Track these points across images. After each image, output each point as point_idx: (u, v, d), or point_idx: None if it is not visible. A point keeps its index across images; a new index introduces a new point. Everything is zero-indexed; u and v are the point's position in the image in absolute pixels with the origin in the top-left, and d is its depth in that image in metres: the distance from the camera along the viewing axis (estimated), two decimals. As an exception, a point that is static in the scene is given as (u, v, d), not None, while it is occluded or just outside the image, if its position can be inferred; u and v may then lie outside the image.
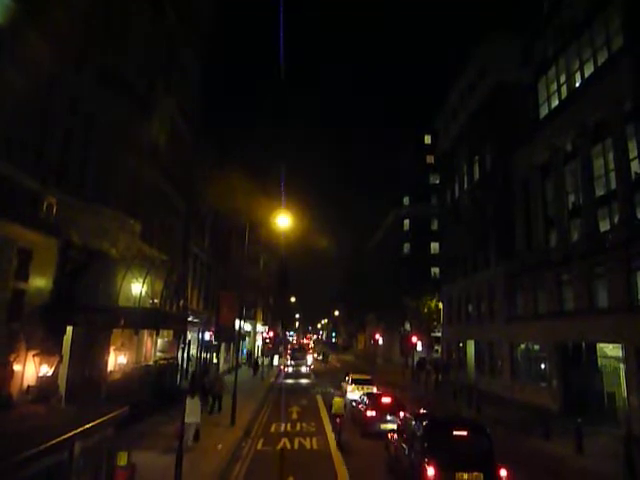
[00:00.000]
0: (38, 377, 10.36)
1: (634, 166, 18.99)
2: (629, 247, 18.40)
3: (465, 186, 37.75)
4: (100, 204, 13.17)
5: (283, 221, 21.72)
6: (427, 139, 63.29)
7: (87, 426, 5.65)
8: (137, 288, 15.03)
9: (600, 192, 21.06)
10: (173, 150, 20.89)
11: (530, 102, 27.47)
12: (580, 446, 14.65)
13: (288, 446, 15.31)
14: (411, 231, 61.17)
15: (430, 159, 60.72)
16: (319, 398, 26.58)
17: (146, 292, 14.40)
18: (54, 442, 4.87)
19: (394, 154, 67.23)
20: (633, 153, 18.99)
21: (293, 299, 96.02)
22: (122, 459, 7.46)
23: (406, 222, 62.38)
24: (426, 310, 47.85)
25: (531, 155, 27.05)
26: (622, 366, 18.60)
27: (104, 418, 6.22)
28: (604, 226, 20.71)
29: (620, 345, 18.58)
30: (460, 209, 38.23)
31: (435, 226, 55.37)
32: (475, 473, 9.55)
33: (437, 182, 52.75)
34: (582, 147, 22.32)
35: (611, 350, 19.92)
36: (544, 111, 26.32)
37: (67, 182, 12.08)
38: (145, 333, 17.88)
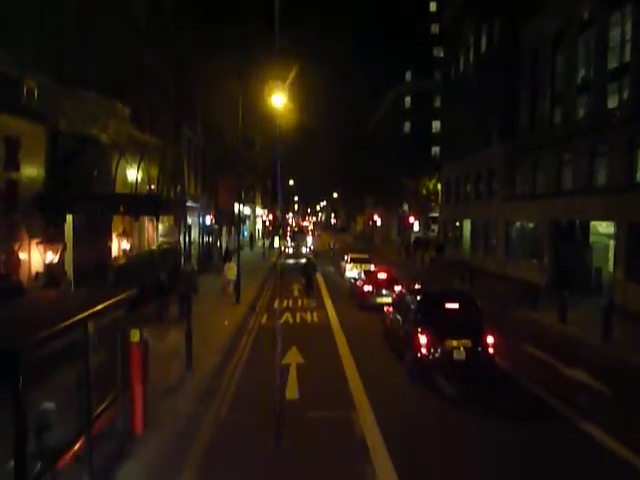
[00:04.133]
0: (45, 264, 10.69)
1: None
2: (634, 123, 17.90)
3: (471, 59, 35.64)
4: (84, 88, 12.51)
5: (278, 99, 20.91)
6: (432, 6, 58.38)
7: (99, 307, 5.91)
8: (132, 174, 14.95)
9: (613, 65, 19.94)
10: (159, 26, 19.30)
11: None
12: (564, 315, 15.60)
13: (290, 320, 16.38)
14: (412, 109, 59.06)
15: (435, 29, 56.57)
16: (319, 276, 27.79)
17: (142, 178, 14.35)
18: (69, 322, 5.12)
19: (396, 23, 62.31)
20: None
21: (292, 182, 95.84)
22: (135, 336, 7.92)
23: (407, 99, 59.96)
24: (424, 191, 48.11)
25: (543, 25, 25.06)
26: (612, 242, 19.17)
27: (114, 299, 6.49)
28: (612, 103, 19.96)
29: (613, 223, 18.96)
30: (464, 84, 36.49)
31: (438, 103, 53.23)
32: (464, 340, 10.31)
33: (441, 55, 49.63)
34: (599, 15, 20.61)
35: (604, 228, 20.37)
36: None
37: (46, 65, 11.33)
38: (145, 219, 18.11)
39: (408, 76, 60.46)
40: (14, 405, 4.12)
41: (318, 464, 7.01)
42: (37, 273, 10.61)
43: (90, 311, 5.64)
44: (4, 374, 4.12)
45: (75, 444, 5.35)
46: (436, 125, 53.58)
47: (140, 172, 14.06)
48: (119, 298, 6.67)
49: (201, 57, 24.82)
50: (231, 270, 18.90)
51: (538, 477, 6.81)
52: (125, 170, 14.82)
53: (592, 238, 21.47)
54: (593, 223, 21.19)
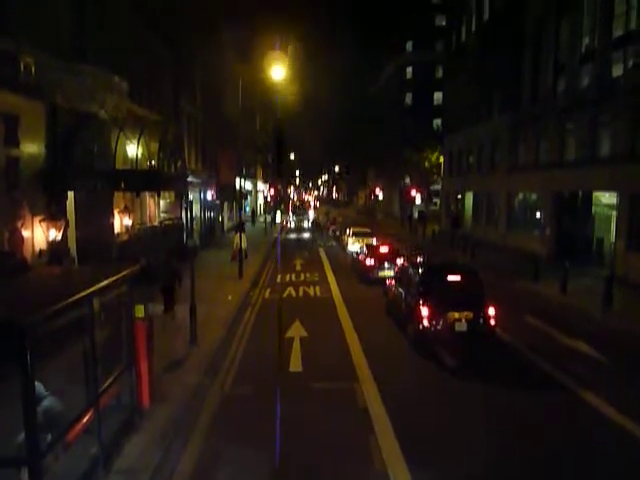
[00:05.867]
0: (48, 241, 10.73)
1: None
2: (639, 93, 17.61)
3: (473, 28, 34.86)
4: (81, 63, 12.32)
5: (278, 71, 20.71)
6: (434, -29, 56.65)
7: (104, 283, 5.96)
8: (132, 150, 14.83)
9: (618, 33, 19.49)
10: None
11: None
12: (564, 286, 15.67)
13: (293, 294, 16.50)
14: (414, 80, 58.02)
15: (437, -4, 55.07)
16: (321, 250, 27.89)
17: (142, 154, 14.23)
18: (75, 298, 5.16)
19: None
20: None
21: (292, 156, 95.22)
22: (139, 311, 8.02)
23: (409, 70, 58.84)
24: (427, 164, 47.71)
25: (548, -11, 24.39)
26: (614, 213, 19.10)
27: (118, 275, 6.53)
28: (617, 72, 19.60)
29: (615, 193, 18.85)
30: (466, 54, 35.79)
31: (440, 74, 52.17)
32: (466, 312, 10.42)
33: (443, 24, 48.42)
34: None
35: (606, 198, 20.28)
36: None
37: (42, 40, 11.13)
38: (147, 195, 18.08)
39: (409, 46, 59.16)
40: (22, 379, 4.21)
41: (322, 433, 7.17)
42: (40, 250, 10.67)
43: (95, 287, 5.69)
44: (12, 349, 4.20)
45: (83, 417, 5.47)
46: (438, 97, 52.66)
47: (140, 147, 13.93)
48: (123, 274, 6.71)
49: (200, 31, 24.30)
50: (243, 240, 20.23)
51: (537, 444, 6.96)
52: (125, 146, 14.71)
53: (594, 209, 21.41)
54: (596, 194, 21.08)
